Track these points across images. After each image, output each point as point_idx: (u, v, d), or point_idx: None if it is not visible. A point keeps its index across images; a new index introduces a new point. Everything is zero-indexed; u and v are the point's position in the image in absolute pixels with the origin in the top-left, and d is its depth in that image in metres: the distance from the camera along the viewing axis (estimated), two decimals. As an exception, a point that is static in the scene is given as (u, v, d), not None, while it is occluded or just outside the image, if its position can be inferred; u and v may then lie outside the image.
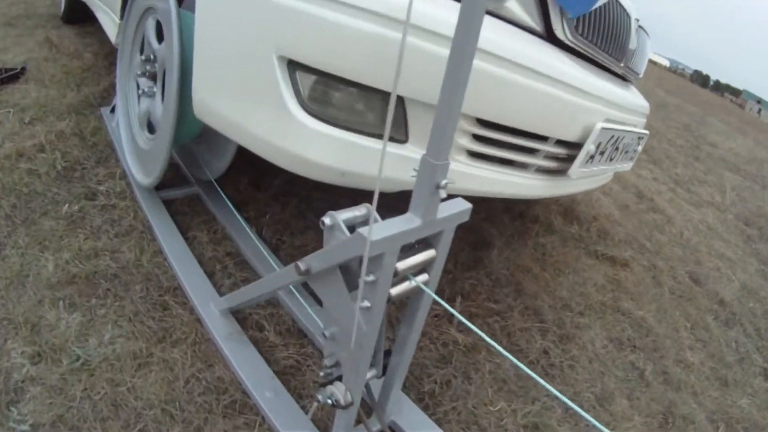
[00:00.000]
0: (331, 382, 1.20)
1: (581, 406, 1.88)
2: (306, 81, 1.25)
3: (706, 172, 6.64)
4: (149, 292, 1.68)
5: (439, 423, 1.58)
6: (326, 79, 1.24)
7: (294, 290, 1.80)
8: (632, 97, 2.11)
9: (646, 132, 2.44)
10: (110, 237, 1.89)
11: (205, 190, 2.19)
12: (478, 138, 1.51)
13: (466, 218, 1.13)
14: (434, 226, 1.06)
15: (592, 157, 1.84)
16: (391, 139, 1.34)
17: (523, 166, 1.71)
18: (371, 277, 0.98)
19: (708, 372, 2.46)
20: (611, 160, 2.09)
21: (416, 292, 1.15)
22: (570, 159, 1.84)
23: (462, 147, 1.49)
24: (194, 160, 2.20)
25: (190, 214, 2.09)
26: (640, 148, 2.46)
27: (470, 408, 1.69)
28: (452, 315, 1.92)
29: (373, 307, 1.01)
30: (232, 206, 2.02)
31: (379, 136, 1.30)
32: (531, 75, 1.47)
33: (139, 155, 2.06)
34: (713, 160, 7.58)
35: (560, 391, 1.91)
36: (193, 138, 1.95)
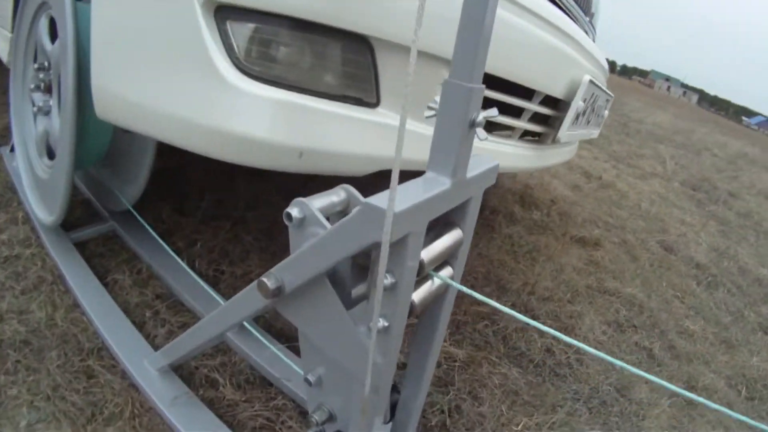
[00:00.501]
0: None
1: (602, 401, 1.75)
2: (240, 31, 0.95)
3: (640, 146, 6.90)
4: (68, 358, 1.40)
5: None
6: (268, 24, 0.95)
7: (249, 326, 1.54)
8: (601, 54, 1.96)
9: (612, 95, 2.35)
10: (15, 295, 1.57)
11: (121, 223, 1.89)
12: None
13: (493, 180, 0.89)
14: (464, 190, 0.79)
15: (578, 115, 1.67)
16: (358, 102, 1.05)
17: (507, 133, 1.49)
18: (390, 279, 0.69)
19: (711, 337, 2.46)
20: (588, 123, 1.94)
21: (439, 296, 0.86)
22: (550, 124, 1.65)
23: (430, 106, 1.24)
24: (104, 189, 1.90)
25: (108, 254, 1.81)
26: (606, 112, 2.36)
27: (490, 433, 1.47)
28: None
29: (391, 326, 0.72)
30: (155, 235, 1.73)
31: (344, 98, 1.03)
32: (526, 14, 1.27)
33: (40, 188, 1.77)
34: (643, 134, 7.89)
35: (576, 390, 1.77)
36: (100, 157, 1.67)
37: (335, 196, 0.81)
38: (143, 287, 1.67)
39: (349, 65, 1.02)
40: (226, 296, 1.68)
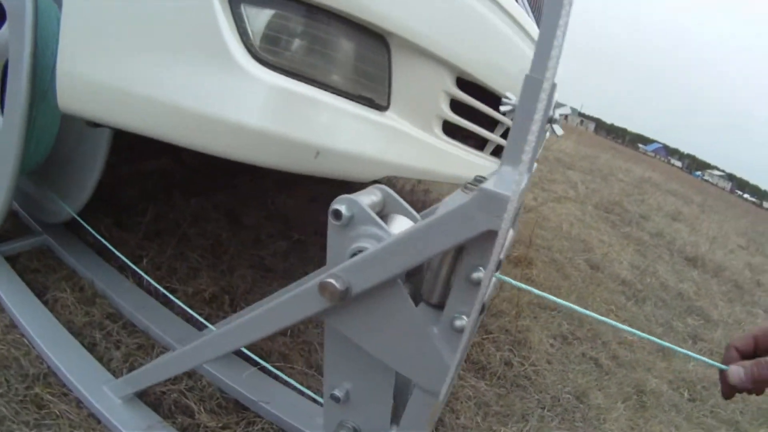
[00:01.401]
0: None
1: (565, 408, 1.91)
2: (257, 16, 0.93)
3: (550, 171, 7.27)
4: (11, 386, 1.28)
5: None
6: (286, 10, 0.94)
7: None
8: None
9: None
10: (-63, 317, 1.49)
11: (56, 237, 1.80)
12: (453, 106, 1.34)
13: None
14: (526, 185, 0.80)
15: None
16: (368, 103, 1.09)
17: (480, 146, 1.59)
18: (477, 274, 0.70)
19: (647, 346, 2.70)
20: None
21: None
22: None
23: (440, 116, 1.31)
24: (34, 199, 1.80)
25: (43, 270, 1.69)
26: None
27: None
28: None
29: (468, 325, 0.72)
30: (109, 246, 1.65)
31: (357, 98, 1.06)
32: (513, 25, 1.36)
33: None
34: (550, 161, 8.31)
35: (539, 399, 1.93)
36: (40, 161, 1.59)
37: (374, 196, 0.84)
38: (89, 305, 1.60)
39: (365, 63, 1.07)
40: (182, 316, 1.66)
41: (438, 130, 1.31)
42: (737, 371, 0.67)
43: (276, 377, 1.52)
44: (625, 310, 3.08)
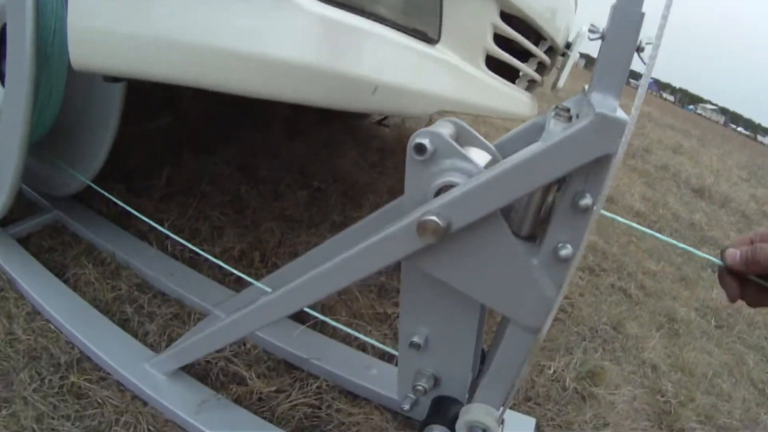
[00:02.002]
0: (446, 411, 0.91)
1: (604, 339, 1.94)
2: None
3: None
4: (43, 378, 1.18)
5: None
6: None
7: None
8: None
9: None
10: (-47, 312, 1.42)
11: (68, 211, 1.70)
12: (496, 38, 1.28)
13: None
14: None
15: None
16: (420, 36, 1.04)
17: (513, 79, 1.54)
18: (585, 200, 0.67)
19: (671, 276, 2.74)
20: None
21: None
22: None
23: (485, 48, 1.25)
24: (39, 174, 1.71)
25: (59, 248, 1.61)
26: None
27: None
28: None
29: (575, 255, 0.69)
30: (132, 211, 1.56)
31: (410, 31, 1.01)
32: None
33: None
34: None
35: (578, 332, 1.94)
36: (45, 130, 1.46)
37: (449, 129, 0.77)
38: (114, 279, 1.52)
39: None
40: (213, 278, 1.62)
41: (482, 63, 1.26)
42: (733, 252, 0.68)
43: (322, 331, 1.50)
44: (644, 240, 3.07)
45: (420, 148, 0.71)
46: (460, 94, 1.19)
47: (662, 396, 1.72)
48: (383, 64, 0.96)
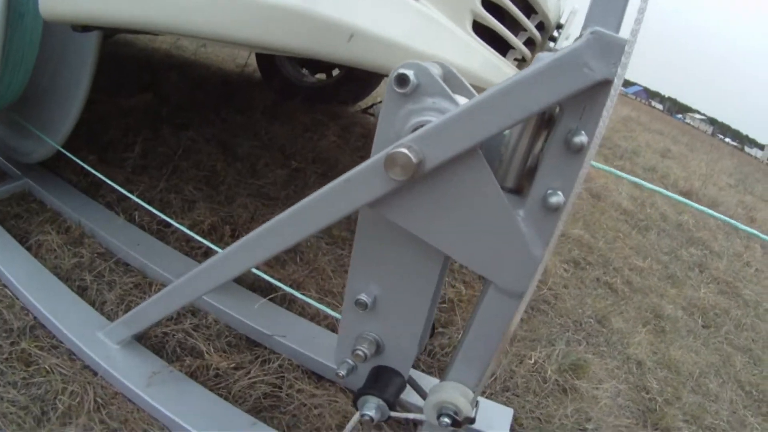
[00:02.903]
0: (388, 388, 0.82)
1: (588, 332, 1.87)
2: None
3: None
4: None
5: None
6: None
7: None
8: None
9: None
10: None
11: (37, 180, 1.66)
12: (485, 2, 1.23)
13: None
14: None
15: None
16: None
17: (504, 52, 1.47)
18: (580, 138, 0.58)
19: (658, 273, 2.67)
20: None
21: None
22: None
23: (473, 11, 1.18)
24: (8, 142, 1.66)
25: (25, 215, 1.57)
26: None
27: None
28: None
29: (566, 203, 0.61)
30: (101, 176, 1.52)
31: None
32: None
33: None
34: None
35: (562, 324, 1.87)
36: (15, 97, 1.44)
37: (436, 69, 0.69)
38: (77, 246, 1.46)
39: None
40: (180, 251, 1.54)
41: (469, 27, 1.19)
42: None
43: (290, 308, 1.42)
44: (630, 237, 3.02)
45: (402, 80, 0.63)
46: (442, 53, 1.10)
47: (647, 393, 1.65)
48: (360, 10, 0.88)
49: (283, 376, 1.23)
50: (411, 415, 0.84)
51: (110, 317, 1.23)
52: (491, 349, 0.68)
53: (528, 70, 0.55)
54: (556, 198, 0.59)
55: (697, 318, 2.36)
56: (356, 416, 0.82)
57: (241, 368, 1.22)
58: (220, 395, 1.13)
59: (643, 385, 1.67)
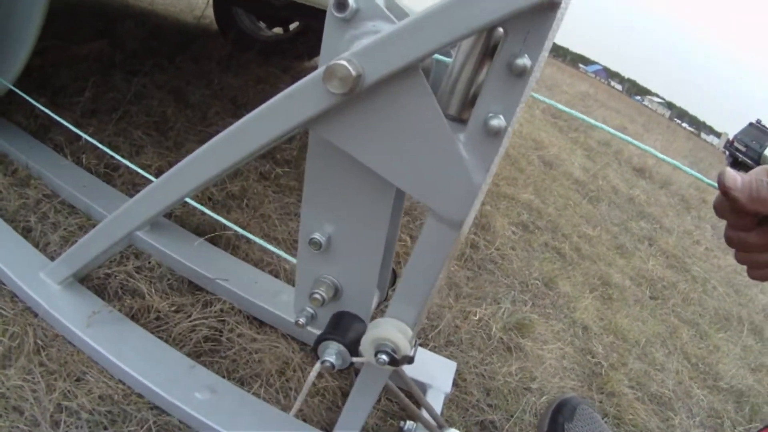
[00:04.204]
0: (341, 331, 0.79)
1: (534, 294, 1.88)
2: None
3: None
4: None
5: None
6: None
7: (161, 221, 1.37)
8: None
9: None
10: None
11: None
12: None
13: None
14: None
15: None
16: None
17: None
18: (522, 60, 0.55)
19: (607, 242, 2.72)
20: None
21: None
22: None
23: None
24: None
25: None
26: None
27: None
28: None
29: (507, 128, 0.59)
30: (51, 114, 1.47)
31: None
32: None
33: None
34: None
35: (508, 284, 1.87)
36: None
37: None
38: (22, 188, 1.42)
39: None
40: (126, 193, 1.50)
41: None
42: (734, 174, 0.56)
43: (235, 253, 1.39)
44: (581, 206, 3.05)
45: (341, 4, 0.59)
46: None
47: (593, 357, 1.66)
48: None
49: (224, 320, 1.21)
50: (358, 359, 0.83)
51: (53, 258, 1.18)
52: (429, 284, 0.67)
53: None
54: (497, 121, 0.57)
55: (645, 289, 2.39)
56: (318, 364, 0.79)
57: (182, 311, 1.20)
58: (160, 337, 1.10)
59: (588, 349, 1.68)
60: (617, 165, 4.80)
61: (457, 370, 1.30)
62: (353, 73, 0.56)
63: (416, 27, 0.55)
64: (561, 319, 1.78)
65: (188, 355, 1.09)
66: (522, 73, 0.55)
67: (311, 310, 0.84)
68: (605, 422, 1.35)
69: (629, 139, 0.64)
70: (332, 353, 0.78)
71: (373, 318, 0.82)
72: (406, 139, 0.61)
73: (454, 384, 1.27)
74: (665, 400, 1.64)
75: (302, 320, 0.83)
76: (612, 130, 0.59)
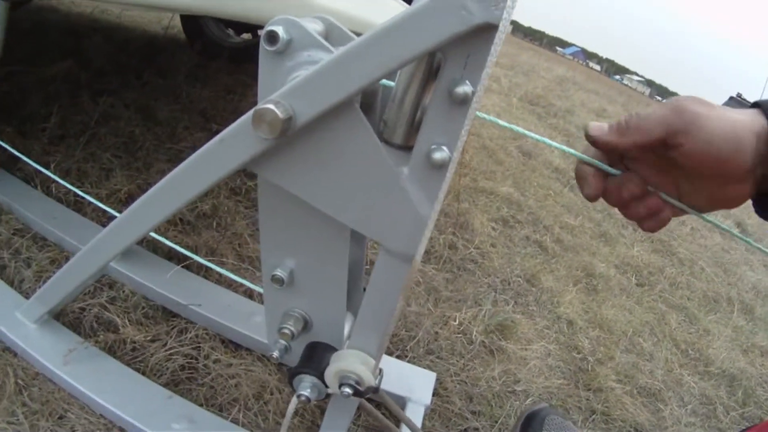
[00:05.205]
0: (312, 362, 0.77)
1: (516, 292, 1.86)
2: None
3: None
4: None
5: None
6: None
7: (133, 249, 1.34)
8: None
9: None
10: None
11: None
12: None
13: None
14: None
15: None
16: None
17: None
18: (463, 88, 0.52)
19: (590, 231, 2.71)
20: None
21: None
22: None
23: None
24: None
25: None
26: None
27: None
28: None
29: (451, 159, 0.56)
30: (12, 150, 1.43)
31: None
32: None
33: None
34: None
35: (489, 283, 1.85)
36: None
37: (316, 25, 0.63)
38: None
39: None
40: (97, 221, 1.48)
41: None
42: (599, 125, 0.59)
43: (206, 276, 1.37)
44: (562, 195, 3.03)
45: (272, 37, 0.57)
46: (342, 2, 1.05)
47: (579, 353, 1.65)
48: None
49: (200, 347, 1.19)
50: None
51: (28, 296, 1.17)
52: (387, 315, 0.65)
53: (399, 15, 0.50)
54: (441, 154, 0.54)
55: (631, 276, 2.37)
56: (294, 399, 0.78)
57: (158, 340, 1.18)
58: (138, 369, 1.09)
59: (574, 345, 1.67)
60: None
61: (437, 380, 1.28)
62: (281, 116, 0.54)
63: (346, 61, 0.53)
64: (545, 316, 1.76)
65: (166, 384, 1.08)
66: (464, 101, 0.52)
67: (284, 343, 0.82)
68: (579, 427, 1.34)
69: (539, 138, 0.62)
70: (307, 387, 0.76)
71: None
72: (347, 177, 0.59)
73: (435, 394, 1.26)
74: (655, 391, 1.63)
75: (276, 354, 0.81)
76: (515, 128, 0.57)
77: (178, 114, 2.17)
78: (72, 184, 1.46)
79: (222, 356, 1.18)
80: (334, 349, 0.81)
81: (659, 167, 0.59)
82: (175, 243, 1.41)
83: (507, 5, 0.46)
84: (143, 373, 1.09)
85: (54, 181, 1.52)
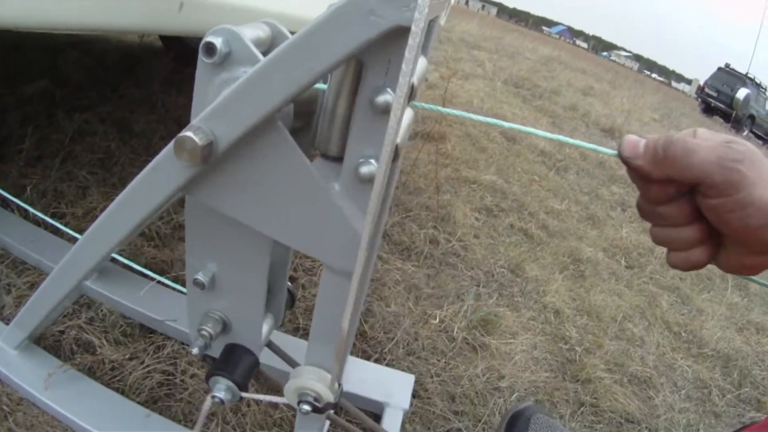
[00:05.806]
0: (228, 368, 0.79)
1: (500, 283, 1.84)
2: None
3: (456, 51, 7.01)
4: None
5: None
6: None
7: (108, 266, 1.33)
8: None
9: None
10: None
11: None
12: None
13: None
14: None
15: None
16: None
17: None
18: (384, 96, 0.51)
19: (577, 215, 2.69)
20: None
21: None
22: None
23: None
24: None
25: None
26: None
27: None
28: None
29: (378, 172, 0.51)
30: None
31: None
32: None
33: None
34: (455, 42, 8.02)
35: (472, 276, 1.83)
36: None
37: (260, 31, 0.61)
38: None
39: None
40: (74, 241, 1.48)
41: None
42: (634, 141, 0.49)
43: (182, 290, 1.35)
44: (548, 179, 3.00)
45: (209, 49, 0.55)
46: (288, 8, 1.03)
47: (566, 343, 1.63)
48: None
49: (176, 362, 1.18)
50: (267, 398, 0.82)
51: (9, 322, 1.16)
52: (338, 330, 0.64)
53: (308, 25, 0.48)
54: (368, 167, 0.53)
55: (620, 259, 2.35)
56: (208, 400, 0.78)
57: (135, 358, 1.18)
58: (117, 389, 1.10)
59: (561, 335, 1.65)
60: (585, 128, 4.77)
61: (417, 381, 1.27)
62: (200, 143, 0.52)
63: (259, 79, 0.51)
64: (530, 307, 1.74)
65: (144, 402, 1.08)
66: (386, 111, 0.51)
67: (203, 342, 0.82)
68: (566, 426, 1.33)
69: (532, 130, 0.60)
70: (222, 389, 0.77)
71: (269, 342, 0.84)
72: (278, 197, 0.58)
73: (416, 396, 1.25)
74: (646, 378, 1.61)
75: (195, 351, 0.81)
76: (503, 123, 0.55)
77: (154, 125, 2.15)
78: (48, 205, 1.50)
79: (198, 371, 1.18)
80: (251, 353, 0.81)
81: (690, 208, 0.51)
82: (151, 258, 1.40)
83: (419, 5, 0.43)
84: (122, 392, 1.09)
85: (29, 203, 1.51)
